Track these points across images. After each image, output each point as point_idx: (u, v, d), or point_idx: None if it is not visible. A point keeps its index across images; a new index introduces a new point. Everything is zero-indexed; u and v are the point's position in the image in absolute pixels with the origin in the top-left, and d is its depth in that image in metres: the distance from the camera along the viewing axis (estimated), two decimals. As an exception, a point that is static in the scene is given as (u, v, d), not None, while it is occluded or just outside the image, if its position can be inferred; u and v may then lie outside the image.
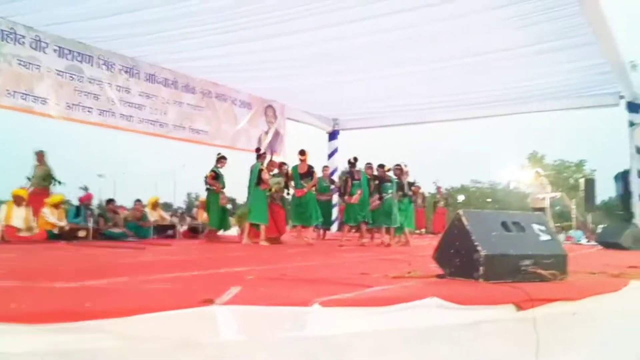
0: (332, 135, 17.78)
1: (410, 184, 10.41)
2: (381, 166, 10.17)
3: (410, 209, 10.06)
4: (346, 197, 9.63)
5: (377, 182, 9.76)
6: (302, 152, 9.57)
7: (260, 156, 9.43)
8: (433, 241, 9.58)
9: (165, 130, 12.56)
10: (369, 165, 9.94)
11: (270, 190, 9.30)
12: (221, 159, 10.25)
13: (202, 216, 12.35)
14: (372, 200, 9.48)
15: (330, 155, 16.81)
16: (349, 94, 13.89)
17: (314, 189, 9.51)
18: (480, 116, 15.00)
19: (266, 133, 15.15)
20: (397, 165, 9.96)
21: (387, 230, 9.95)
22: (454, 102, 14.27)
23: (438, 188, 19.70)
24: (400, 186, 9.85)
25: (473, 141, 73.09)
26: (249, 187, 9.15)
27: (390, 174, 9.90)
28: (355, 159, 9.86)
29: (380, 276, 3.90)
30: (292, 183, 9.42)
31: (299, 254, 6.56)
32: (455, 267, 3.92)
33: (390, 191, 9.57)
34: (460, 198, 46.05)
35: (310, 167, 9.40)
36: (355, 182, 9.42)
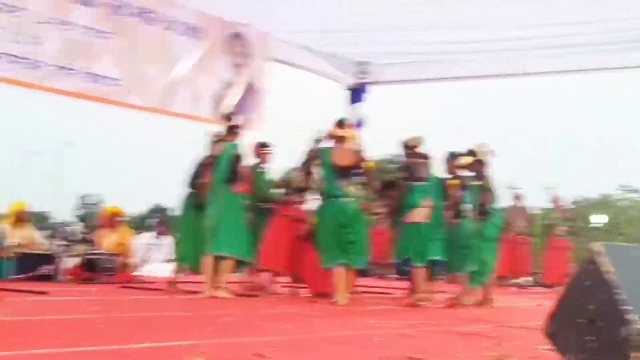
0: (356, 94, 12.36)
1: (486, 189, 7.60)
2: (453, 156, 7.55)
3: (494, 238, 7.61)
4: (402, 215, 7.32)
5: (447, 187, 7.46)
6: (341, 123, 7.05)
7: (232, 131, 7.07)
8: (544, 300, 7.80)
9: (39, 75, 8.10)
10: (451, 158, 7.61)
11: (287, 190, 7.47)
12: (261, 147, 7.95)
13: (110, 240, 9.72)
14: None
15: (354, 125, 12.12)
16: (388, 18, 9.55)
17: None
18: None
19: (231, 87, 10.35)
20: (476, 149, 7.49)
21: (455, 278, 7.84)
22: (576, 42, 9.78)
23: (554, 199, 13.59)
24: (481, 193, 7.53)
25: (620, 118, 57.87)
26: (213, 188, 6.99)
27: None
28: (416, 142, 7.38)
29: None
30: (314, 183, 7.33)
31: (291, 317, 5.33)
32: (588, 352, 3.02)
33: (467, 205, 7.40)
34: (598, 219, 35.16)
35: (359, 156, 6.92)
36: (415, 184, 7.07)
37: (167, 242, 11.96)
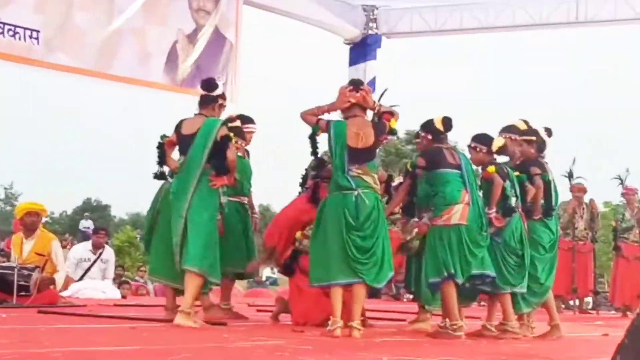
0: (360, 50, 12.59)
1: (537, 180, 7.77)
2: (479, 139, 7.52)
3: (552, 245, 7.90)
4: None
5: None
6: (356, 85, 7.04)
7: (215, 102, 7.20)
8: (612, 329, 7.89)
9: None
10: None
11: None
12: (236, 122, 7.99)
13: (26, 249, 9.59)
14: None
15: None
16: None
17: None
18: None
19: (192, 41, 10.35)
20: (519, 126, 7.69)
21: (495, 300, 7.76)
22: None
23: (627, 192, 13.53)
24: (529, 185, 7.68)
25: None
26: (183, 177, 7.06)
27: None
28: (443, 123, 7.39)
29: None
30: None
31: (270, 353, 5.29)
32: None
33: (514, 201, 7.45)
34: None
35: (389, 127, 7.04)
36: (448, 172, 7.21)
37: (107, 253, 11.99)
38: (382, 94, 7.34)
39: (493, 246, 7.31)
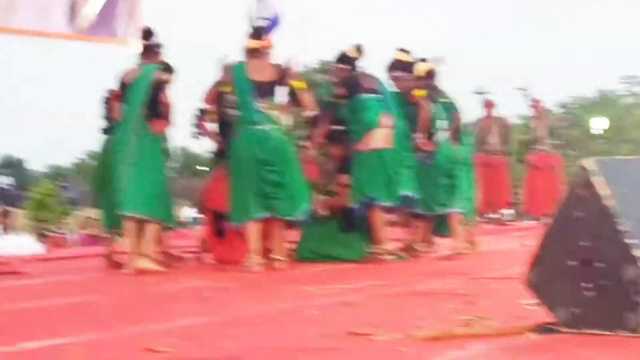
0: None
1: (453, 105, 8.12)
2: (400, 67, 7.77)
3: (471, 163, 8.25)
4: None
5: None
6: (257, 33, 7.24)
7: (151, 50, 7.22)
8: (530, 239, 7.80)
9: None
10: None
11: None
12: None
13: None
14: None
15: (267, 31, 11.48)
16: None
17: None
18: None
19: None
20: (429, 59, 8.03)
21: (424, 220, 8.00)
22: None
23: (534, 103, 13.96)
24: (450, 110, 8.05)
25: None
26: (125, 126, 7.08)
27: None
28: (356, 52, 7.60)
29: (394, 338, 3.39)
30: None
31: (196, 294, 5.44)
32: (584, 304, 3.31)
33: (443, 121, 7.79)
34: (597, 124, 34.31)
35: (282, 70, 7.08)
36: (367, 97, 7.32)
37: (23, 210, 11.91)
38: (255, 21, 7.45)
39: (424, 169, 7.43)
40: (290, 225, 7.16)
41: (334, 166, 7.84)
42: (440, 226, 7.79)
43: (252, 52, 7.02)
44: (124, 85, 7.11)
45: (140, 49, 7.29)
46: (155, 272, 6.77)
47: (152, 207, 6.93)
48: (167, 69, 7.16)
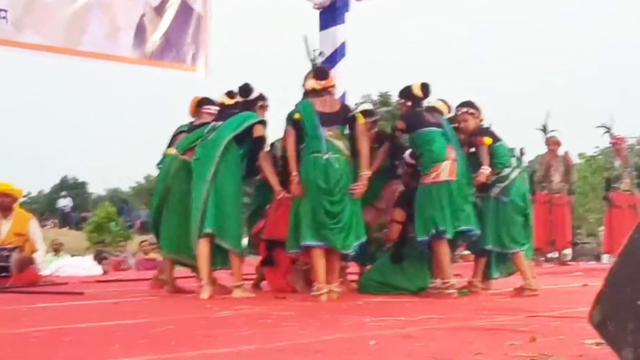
0: (330, 14, 12.13)
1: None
2: (472, 104, 7.78)
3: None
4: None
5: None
6: (321, 74, 7.25)
7: (255, 105, 7.47)
8: (586, 279, 8.46)
9: None
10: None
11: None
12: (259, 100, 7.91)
13: (4, 229, 9.48)
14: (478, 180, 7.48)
15: (329, 64, 11.08)
16: None
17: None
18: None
19: (160, 12, 10.31)
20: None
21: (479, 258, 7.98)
22: None
23: (616, 140, 13.63)
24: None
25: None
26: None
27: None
28: (421, 90, 7.54)
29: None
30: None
31: (253, 320, 5.36)
32: None
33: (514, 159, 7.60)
34: None
35: (346, 106, 7.47)
36: (431, 131, 7.28)
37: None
38: (315, 57, 7.51)
39: (499, 205, 7.37)
40: (344, 257, 7.14)
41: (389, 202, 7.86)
42: (499, 265, 7.74)
43: (315, 92, 7.08)
44: (223, 106, 7.34)
45: (242, 106, 7.36)
46: (223, 298, 6.90)
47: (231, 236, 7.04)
48: (264, 123, 7.34)
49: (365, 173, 6.95)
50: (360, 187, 6.92)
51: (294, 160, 6.89)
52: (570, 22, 70.10)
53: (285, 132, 7.16)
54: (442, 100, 7.76)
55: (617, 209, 13.07)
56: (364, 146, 7.00)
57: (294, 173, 6.85)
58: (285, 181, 7.15)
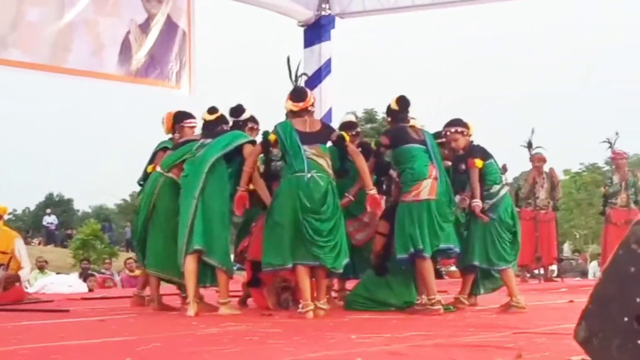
0: (315, 31, 12.56)
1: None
2: (462, 123, 7.73)
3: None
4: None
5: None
6: (298, 96, 7.22)
7: (245, 126, 7.72)
8: (571, 295, 8.60)
9: None
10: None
11: None
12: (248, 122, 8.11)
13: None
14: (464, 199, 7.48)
15: (314, 81, 11.57)
16: None
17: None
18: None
19: (142, 30, 10.42)
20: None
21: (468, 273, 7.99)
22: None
23: (615, 155, 13.35)
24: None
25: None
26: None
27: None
28: (400, 104, 7.54)
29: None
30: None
31: (238, 337, 5.34)
32: None
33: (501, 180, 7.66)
34: None
35: (328, 125, 7.77)
36: (413, 147, 7.31)
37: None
38: (297, 78, 7.51)
39: (485, 223, 7.33)
40: (329, 274, 7.08)
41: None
42: (484, 281, 7.75)
43: (293, 113, 7.07)
44: (207, 122, 7.32)
45: (231, 126, 7.43)
46: (209, 316, 6.86)
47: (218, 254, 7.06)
48: (254, 143, 7.32)
49: (372, 191, 6.95)
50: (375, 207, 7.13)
51: (248, 176, 6.89)
52: (557, 35, 70.55)
53: (254, 148, 7.17)
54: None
55: (613, 225, 12.88)
56: (362, 165, 6.97)
57: (243, 188, 6.86)
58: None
